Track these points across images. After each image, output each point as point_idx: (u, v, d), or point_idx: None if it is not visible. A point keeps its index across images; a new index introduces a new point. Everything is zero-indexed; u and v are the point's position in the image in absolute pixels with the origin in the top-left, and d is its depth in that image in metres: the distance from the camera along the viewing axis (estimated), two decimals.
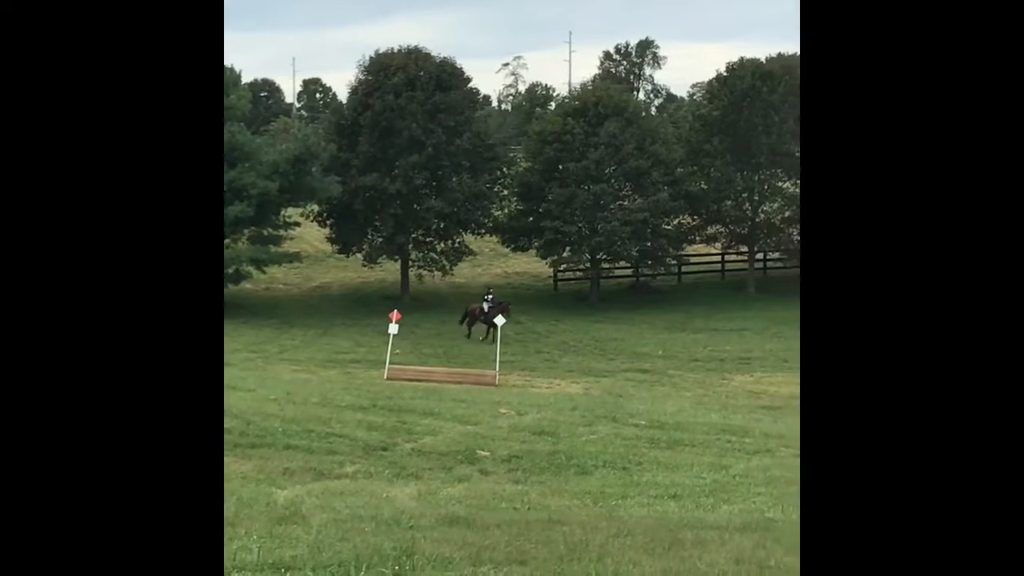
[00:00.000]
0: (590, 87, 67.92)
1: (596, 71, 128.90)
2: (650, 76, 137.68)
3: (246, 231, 51.16)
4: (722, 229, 60.40)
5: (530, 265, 61.95)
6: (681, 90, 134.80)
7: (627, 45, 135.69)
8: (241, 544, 8.68)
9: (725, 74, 59.60)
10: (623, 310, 54.39)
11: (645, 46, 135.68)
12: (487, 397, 27.93)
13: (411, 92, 54.30)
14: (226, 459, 13.50)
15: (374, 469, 16.83)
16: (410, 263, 56.61)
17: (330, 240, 57.38)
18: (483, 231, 58.33)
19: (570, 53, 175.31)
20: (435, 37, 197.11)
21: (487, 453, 18.68)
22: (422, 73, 55.41)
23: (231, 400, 19.28)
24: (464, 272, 59.81)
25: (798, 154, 58.16)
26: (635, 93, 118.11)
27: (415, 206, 55.32)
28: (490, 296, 46.65)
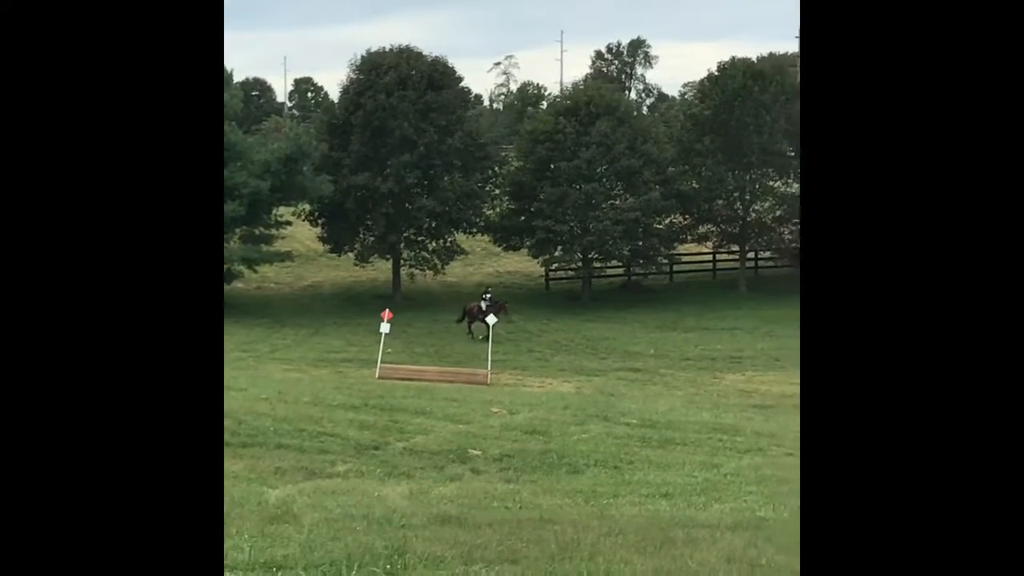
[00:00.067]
0: (582, 86, 67.87)
1: (588, 70, 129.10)
2: (641, 75, 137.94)
3: (237, 230, 51.07)
4: (713, 228, 60.41)
5: (522, 264, 61.92)
6: (672, 89, 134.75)
7: (618, 44, 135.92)
8: (233, 543, 8.67)
9: (716, 74, 59.61)
10: (615, 309, 54.38)
11: (636, 45, 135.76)
12: (479, 396, 27.93)
13: (403, 91, 54.23)
14: None
15: (366, 468, 16.83)
16: (402, 262, 56.55)
17: (322, 239, 57.30)
18: (475, 230, 58.26)
19: (562, 52, 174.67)
20: (427, 36, 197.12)
21: (479, 452, 18.69)
22: (414, 72, 55.35)
23: None
24: (456, 271, 59.78)
25: (790, 153, 58.60)
26: (627, 92, 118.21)
27: (407, 205, 55.29)
28: (488, 295, 46.63)
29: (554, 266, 58.87)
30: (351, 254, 56.98)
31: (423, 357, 40.75)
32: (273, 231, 53.76)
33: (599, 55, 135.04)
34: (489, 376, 34.73)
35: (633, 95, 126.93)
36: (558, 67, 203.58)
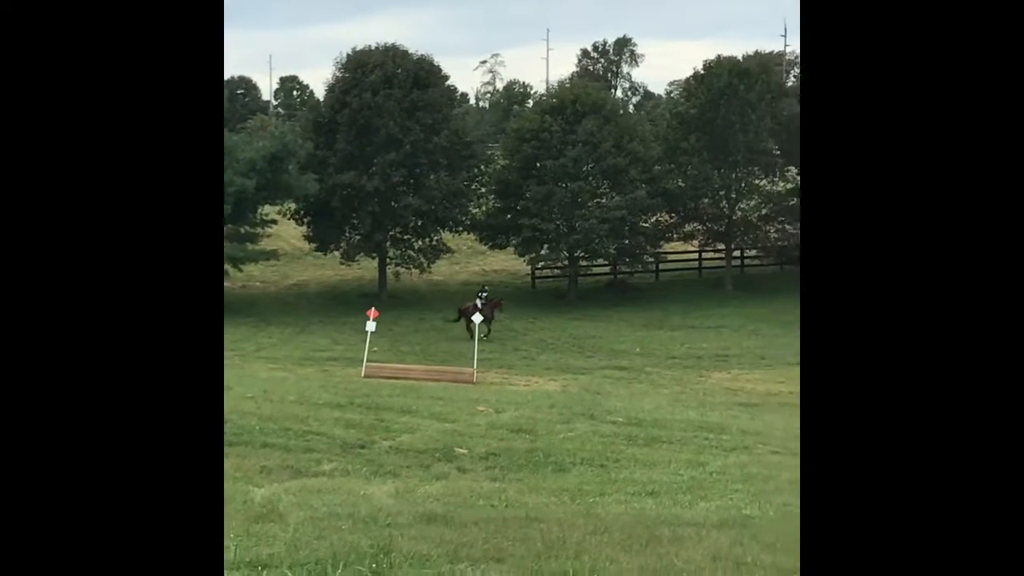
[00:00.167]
0: (568, 85, 67.92)
1: (574, 69, 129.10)
2: (628, 74, 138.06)
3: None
4: (699, 227, 60.45)
5: (508, 263, 61.92)
6: (658, 88, 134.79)
7: (605, 43, 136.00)
8: None
9: (702, 72, 59.68)
10: (601, 308, 54.41)
11: (623, 44, 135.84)
12: (465, 395, 27.94)
13: (388, 90, 54.19)
14: None
15: (351, 467, 16.83)
16: (388, 261, 56.50)
17: (307, 238, 57.22)
18: (461, 229, 58.25)
19: (548, 51, 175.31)
20: (413, 35, 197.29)
21: (465, 451, 18.69)
22: (399, 71, 55.32)
23: None
24: (442, 270, 59.74)
25: (775, 152, 58.74)
26: (613, 91, 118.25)
27: (393, 204, 55.24)
28: (484, 293, 46.59)
29: (540, 264, 58.87)
30: (337, 253, 56.92)
31: (409, 356, 40.74)
32: (258, 230, 53.66)
33: (585, 53, 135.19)
34: (475, 375, 34.73)
35: (619, 93, 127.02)
36: (544, 65, 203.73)
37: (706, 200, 59.71)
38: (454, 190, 55.70)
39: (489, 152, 62.50)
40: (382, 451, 18.58)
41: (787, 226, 59.77)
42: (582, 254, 57.18)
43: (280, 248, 57.41)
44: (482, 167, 59.47)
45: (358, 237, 56.01)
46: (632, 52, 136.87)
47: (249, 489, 12.39)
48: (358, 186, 53.71)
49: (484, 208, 59.14)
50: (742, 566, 8.76)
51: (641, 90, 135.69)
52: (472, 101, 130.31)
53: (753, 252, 63.39)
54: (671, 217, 60.12)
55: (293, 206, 56.42)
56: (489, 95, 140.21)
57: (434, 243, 57.03)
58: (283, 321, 48.71)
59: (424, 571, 8.10)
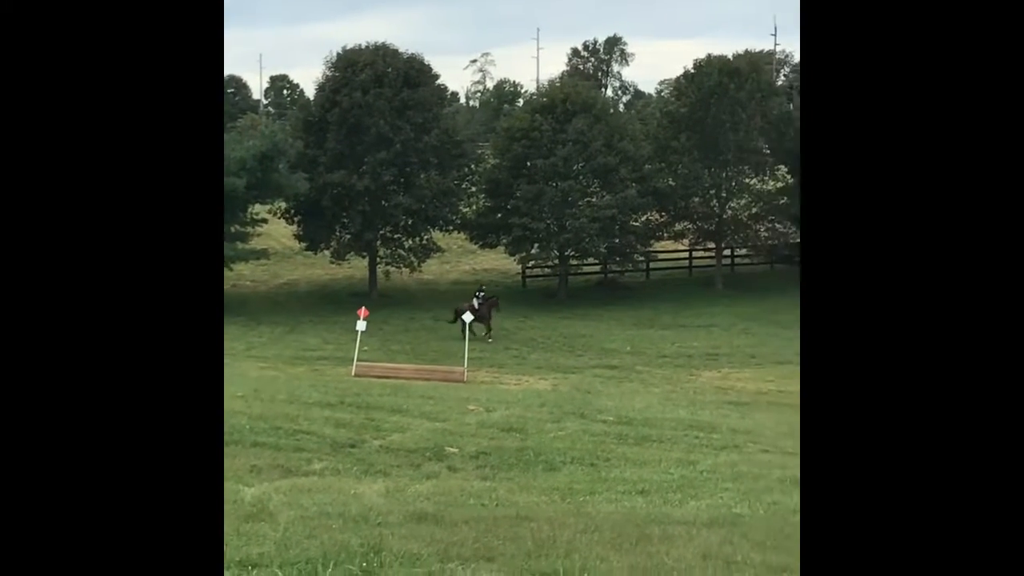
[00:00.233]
0: (558, 84, 67.92)
1: (564, 68, 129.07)
2: (618, 73, 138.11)
3: None
4: (690, 225, 60.44)
5: (498, 262, 61.90)
6: (649, 87, 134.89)
7: (595, 42, 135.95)
8: None
9: (692, 71, 59.68)
10: (591, 306, 54.42)
11: (613, 43, 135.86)
12: (455, 394, 27.95)
13: (379, 89, 54.13)
14: None
15: (342, 466, 16.83)
16: (378, 260, 56.43)
17: (297, 237, 57.14)
18: (451, 228, 58.22)
19: (538, 50, 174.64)
20: (403, 34, 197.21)
21: (455, 450, 18.70)
22: (390, 70, 55.26)
23: None
24: (432, 269, 59.72)
25: (765, 151, 58.80)
26: (603, 90, 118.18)
27: (383, 203, 55.18)
28: (481, 293, 46.53)
29: (531, 263, 58.84)
30: (327, 252, 56.85)
31: (399, 355, 40.72)
32: (248, 229, 53.54)
33: (575, 52, 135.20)
34: (466, 374, 34.74)
35: (609, 92, 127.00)
36: (534, 64, 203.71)
37: (696, 199, 59.74)
38: (444, 189, 55.67)
39: (479, 151, 62.46)
40: (372, 450, 18.59)
41: (777, 225, 59.87)
42: (572, 253, 57.17)
43: (270, 247, 57.32)
44: (472, 166, 59.43)
45: (348, 236, 55.94)
46: (622, 51, 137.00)
47: (239, 488, 12.37)
48: (348, 185, 53.65)
49: (474, 207, 59.11)
50: (732, 564, 8.77)
51: (631, 89, 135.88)
52: (462, 100, 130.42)
53: (743, 251, 63.44)
54: (661, 216, 60.13)
55: (283, 205, 56.33)
56: (479, 94, 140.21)
57: (424, 242, 56.98)
58: (273, 320, 48.66)
59: (414, 570, 8.10)
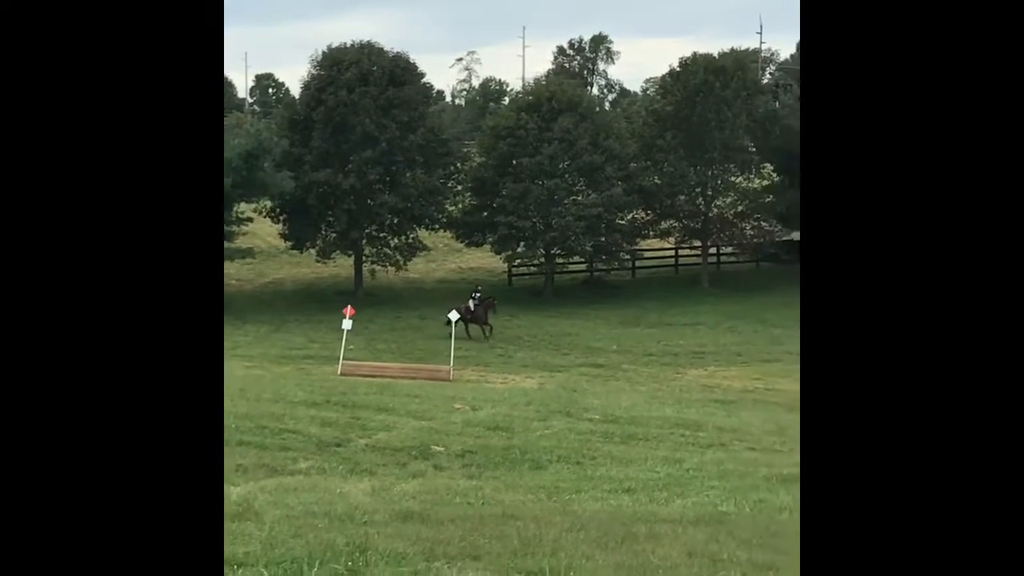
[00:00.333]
0: (544, 82, 67.86)
1: (550, 66, 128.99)
2: (604, 71, 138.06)
3: None
4: (675, 224, 60.47)
5: (484, 260, 61.89)
6: (635, 85, 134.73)
7: (580, 40, 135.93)
8: None
9: (678, 69, 59.72)
10: (577, 305, 54.44)
11: (599, 41, 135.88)
12: (441, 392, 27.94)
13: (364, 87, 54.09)
14: None
15: (328, 465, 16.82)
16: (364, 258, 56.36)
17: (283, 236, 57.06)
18: (437, 226, 58.17)
19: (524, 48, 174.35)
20: (388, 32, 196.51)
21: (441, 448, 18.70)
22: (375, 68, 55.21)
23: None
24: (418, 268, 59.68)
25: (751, 149, 58.88)
26: (589, 88, 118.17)
27: (369, 201, 55.14)
28: (477, 294, 46.49)
29: (516, 262, 58.82)
30: (313, 250, 56.77)
31: (385, 353, 40.69)
32: (234, 228, 53.39)
33: (561, 51, 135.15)
34: (452, 372, 34.73)
35: (595, 91, 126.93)
36: (520, 63, 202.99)
37: (682, 197, 59.79)
38: (430, 188, 55.65)
39: (465, 150, 62.43)
40: (358, 449, 18.58)
41: (763, 223, 59.97)
42: (558, 251, 57.17)
43: (256, 246, 57.23)
44: (458, 165, 59.42)
45: (334, 235, 55.88)
46: (608, 49, 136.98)
47: (225, 488, 12.34)
48: (334, 184, 53.59)
49: (460, 206, 59.10)
50: (718, 562, 8.77)
51: (617, 87, 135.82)
52: (448, 98, 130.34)
53: (729, 249, 63.53)
54: (647, 214, 60.17)
55: (269, 204, 56.22)
56: (465, 92, 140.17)
57: (410, 241, 56.93)
58: (259, 319, 48.58)
59: (400, 569, 8.09)
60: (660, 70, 77.99)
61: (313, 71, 56.85)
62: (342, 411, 22.49)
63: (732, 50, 62.70)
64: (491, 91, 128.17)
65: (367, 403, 23.92)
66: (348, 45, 56.92)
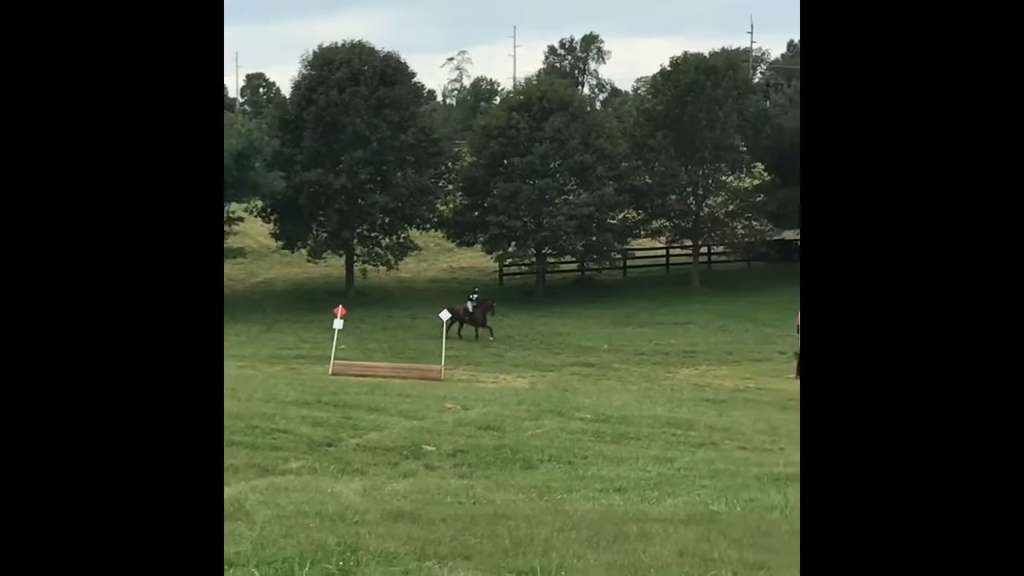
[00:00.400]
0: (535, 82, 67.94)
1: (541, 66, 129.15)
2: (595, 71, 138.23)
3: None
4: (667, 223, 60.55)
5: (475, 260, 61.91)
6: (625, 85, 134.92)
7: (571, 40, 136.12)
8: None
9: (669, 69, 59.76)
10: (568, 304, 54.46)
11: (590, 41, 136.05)
12: (433, 392, 27.93)
13: (355, 87, 54.11)
14: None
15: (319, 465, 16.81)
16: (355, 258, 56.38)
17: (274, 236, 57.07)
18: (428, 226, 58.23)
19: (515, 48, 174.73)
20: (379, 32, 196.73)
21: (432, 448, 18.69)
22: (366, 68, 55.21)
23: None
24: (409, 267, 59.69)
25: (742, 148, 58.95)
26: (580, 88, 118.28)
27: (360, 201, 55.15)
28: (475, 295, 46.45)
29: (508, 262, 58.91)
30: (304, 250, 56.79)
31: (376, 353, 40.68)
32: (225, 227, 53.41)
33: (552, 50, 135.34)
34: (443, 372, 34.72)
35: (586, 90, 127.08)
36: (511, 62, 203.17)
37: (673, 197, 59.87)
38: (421, 187, 55.67)
39: (456, 149, 62.52)
40: (349, 449, 18.56)
41: (754, 222, 60.05)
42: (550, 251, 57.21)
43: (247, 246, 57.21)
44: (449, 164, 59.47)
45: (325, 235, 55.89)
46: (599, 49, 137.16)
47: None
48: (325, 183, 53.59)
49: (451, 205, 59.14)
50: (709, 562, 8.77)
51: (608, 87, 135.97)
52: (439, 98, 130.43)
53: (720, 248, 63.64)
54: (638, 214, 60.24)
55: (260, 204, 56.19)
56: (456, 92, 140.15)
57: (401, 240, 56.96)
58: (250, 319, 48.52)
59: (391, 568, 8.08)
60: (651, 70, 78.32)
61: (304, 71, 56.88)
62: (333, 411, 22.47)
63: (723, 49, 62.89)
64: (482, 91, 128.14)
65: (358, 403, 23.91)
66: (339, 45, 57.00)
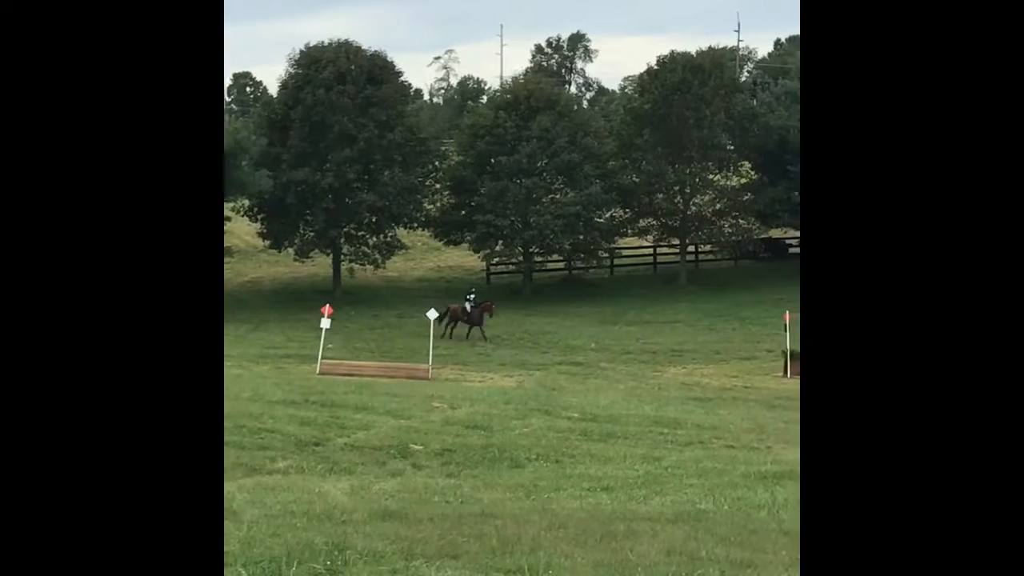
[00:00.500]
0: (522, 80, 67.91)
1: (528, 64, 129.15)
2: (581, 69, 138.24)
3: None
4: (654, 222, 60.61)
5: (463, 259, 61.91)
6: (613, 83, 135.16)
7: (558, 39, 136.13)
8: None
9: (656, 67, 59.83)
10: (556, 303, 54.48)
11: (577, 39, 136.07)
12: (420, 391, 27.90)
13: (342, 86, 54.09)
14: None
15: (306, 464, 16.80)
16: (342, 257, 56.36)
17: (261, 235, 57.02)
18: (415, 225, 58.25)
19: (501, 46, 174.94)
20: (366, 31, 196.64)
21: (420, 447, 18.68)
22: (353, 67, 55.18)
23: None
24: (397, 266, 59.67)
25: (729, 147, 59.04)
26: (567, 86, 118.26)
27: (347, 200, 55.14)
28: (472, 295, 46.37)
29: (495, 260, 58.90)
30: (291, 249, 56.74)
31: (364, 352, 40.61)
32: None
33: (539, 49, 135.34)
34: (430, 371, 34.68)
35: (573, 89, 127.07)
36: (498, 61, 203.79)
37: (660, 195, 59.94)
38: (408, 186, 55.66)
39: (443, 148, 62.50)
40: (337, 448, 18.54)
41: (741, 221, 60.12)
42: (537, 250, 57.25)
43: (234, 245, 57.11)
44: (436, 163, 59.47)
45: (312, 234, 55.84)
46: (586, 48, 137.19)
47: None
48: (312, 183, 53.54)
49: (438, 204, 59.13)
50: (696, 560, 8.78)
51: (595, 86, 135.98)
52: (426, 97, 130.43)
53: (707, 247, 63.70)
54: (625, 212, 60.28)
55: (247, 203, 56.12)
56: (443, 91, 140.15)
57: (389, 239, 56.94)
58: (237, 318, 48.37)
59: (379, 568, 8.08)
60: (638, 68, 78.35)
61: (291, 70, 56.86)
62: (321, 410, 22.45)
63: (710, 48, 62.65)
64: (469, 90, 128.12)
65: (346, 402, 23.88)
66: (326, 44, 56.98)
